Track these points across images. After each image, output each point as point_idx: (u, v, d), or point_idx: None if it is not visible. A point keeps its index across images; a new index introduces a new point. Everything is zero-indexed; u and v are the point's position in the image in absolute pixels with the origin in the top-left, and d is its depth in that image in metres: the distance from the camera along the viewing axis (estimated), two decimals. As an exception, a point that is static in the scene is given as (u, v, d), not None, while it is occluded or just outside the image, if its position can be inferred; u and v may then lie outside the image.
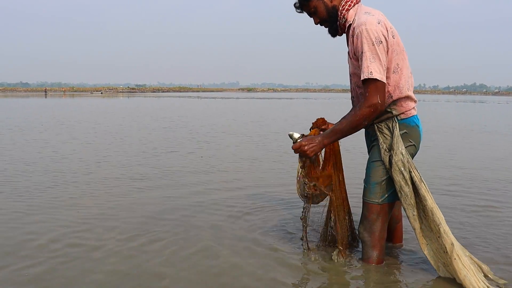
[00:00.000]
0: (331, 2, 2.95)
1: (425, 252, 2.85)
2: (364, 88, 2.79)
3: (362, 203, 3.06)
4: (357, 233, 3.17)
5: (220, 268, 3.00)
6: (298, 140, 2.97)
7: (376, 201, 2.96)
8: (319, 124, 3.21)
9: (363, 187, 3.06)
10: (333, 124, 3.16)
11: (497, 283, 2.73)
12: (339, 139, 2.96)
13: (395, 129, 2.89)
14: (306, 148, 2.92)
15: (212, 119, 16.81)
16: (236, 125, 14.02)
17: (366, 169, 3.06)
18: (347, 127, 2.85)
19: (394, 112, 2.89)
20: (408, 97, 2.90)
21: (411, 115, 2.94)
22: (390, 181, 2.93)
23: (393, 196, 2.98)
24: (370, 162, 3.04)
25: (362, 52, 2.75)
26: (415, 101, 2.96)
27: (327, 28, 3.06)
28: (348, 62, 3.04)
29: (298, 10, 3.09)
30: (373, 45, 2.71)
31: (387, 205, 2.99)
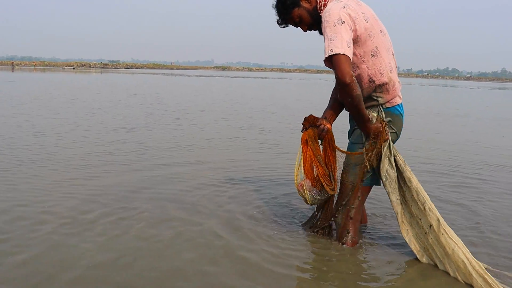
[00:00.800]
0: (310, 4, 2.97)
1: (405, 238, 2.91)
2: (332, 66, 2.76)
3: (340, 185, 3.08)
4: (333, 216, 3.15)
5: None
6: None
7: (352, 181, 3.01)
8: (313, 121, 3.10)
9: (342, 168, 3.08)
10: (321, 118, 3.13)
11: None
12: (364, 116, 2.87)
13: (380, 116, 2.96)
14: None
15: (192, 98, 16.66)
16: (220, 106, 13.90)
17: (348, 149, 3.10)
18: (352, 112, 2.91)
19: (380, 100, 2.95)
20: (391, 81, 2.93)
21: (395, 103, 3.01)
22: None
23: (371, 179, 3.02)
24: (351, 144, 3.09)
25: (324, 36, 2.76)
26: (399, 84, 3.00)
27: (317, 31, 3.04)
28: None
29: (283, 26, 3.11)
30: (334, 25, 2.72)
31: (365, 188, 3.04)
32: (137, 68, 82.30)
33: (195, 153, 6.21)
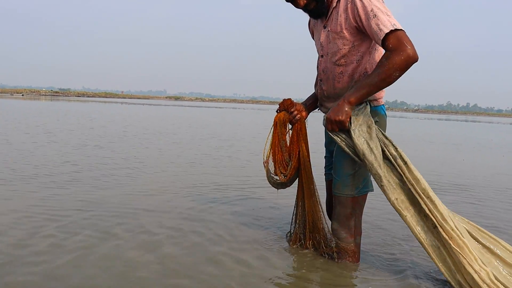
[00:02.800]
0: None
1: (403, 219, 2.58)
2: (386, 43, 2.50)
3: (333, 199, 2.89)
4: (331, 230, 2.95)
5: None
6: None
7: (351, 193, 2.80)
8: (287, 106, 3.01)
9: (334, 180, 2.88)
10: (300, 104, 3.03)
11: None
12: (367, 96, 2.64)
13: (364, 108, 2.75)
14: (339, 117, 2.64)
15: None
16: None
17: (334, 163, 2.89)
18: (376, 79, 2.54)
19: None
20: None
21: (382, 103, 2.84)
22: (363, 170, 2.77)
23: (367, 186, 2.85)
24: (339, 153, 2.84)
25: (372, 10, 2.54)
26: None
27: (307, 12, 2.88)
28: (322, 43, 2.88)
29: None
30: (383, 2, 2.61)
31: (362, 197, 2.84)
32: (88, 97, 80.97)
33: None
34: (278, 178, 3.06)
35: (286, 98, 3.04)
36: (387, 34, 2.49)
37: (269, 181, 3.12)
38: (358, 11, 2.61)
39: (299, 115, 3.01)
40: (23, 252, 2.89)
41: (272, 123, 3.07)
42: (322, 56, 2.93)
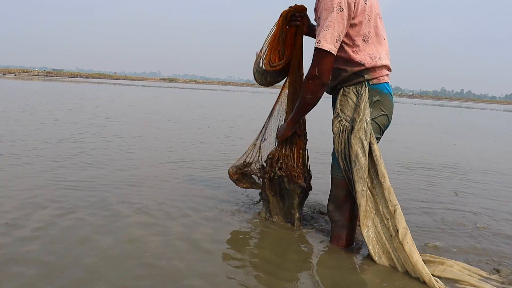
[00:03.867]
0: None
1: (364, 234, 2.62)
2: (312, 56, 2.61)
3: (330, 179, 2.83)
4: (327, 212, 2.89)
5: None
6: None
7: (343, 173, 2.73)
8: (298, 10, 3.06)
9: (331, 161, 2.83)
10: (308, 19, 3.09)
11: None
12: (298, 121, 2.96)
13: (364, 94, 2.65)
14: (281, 137, 3.03)
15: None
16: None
17: (333, 141, 2.80)
18: (299, 111, 2.82)
19: (366, 76, 2.65)
20: (383, 66, 2.68)
21: (384, 81, 2.71)
22: None
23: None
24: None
25: (319, 18, 2.56)
26: (389, 69, 2.74)
27: None
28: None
29: None
30: (332, 11, 2.49)
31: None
32: (82, 77, 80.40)
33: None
34: (264, 67, 3.15)
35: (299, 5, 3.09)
36: (314, 48, 2.60)
37: (253, 69, 3.24)
38: (316, 11, 2.68)
39: (299, 24, 3.04)
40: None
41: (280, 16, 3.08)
42: None
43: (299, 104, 2.78)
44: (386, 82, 2.74)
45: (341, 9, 2.50)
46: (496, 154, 8.74)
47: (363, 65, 2.64)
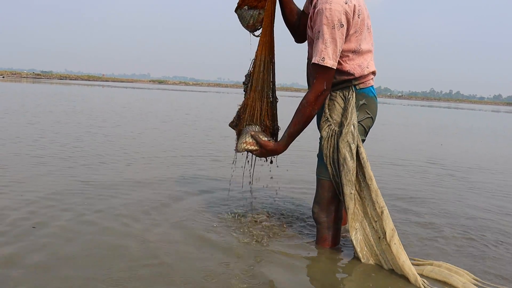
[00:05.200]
0: None
1: (352, 237, 2.64)
2: (313, 71, 2.63)
3: (316, 181, 2.83)
4: (312, 213, 2.88)
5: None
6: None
7: (331, 177, 2.74)
8: None
9: (317, 163, 2.83)
10: None
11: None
12: (296, 137, 2.78)
13: (351, 98, 2.68)
14: (258, 155, 2.89)
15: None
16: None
17: (319, 144, 2.81)
18: (299, 124, 2.71)
19: (353, 81, 2.69)
20: (370, 73, 2.73)
21: (369, 85, 2.75)
22: None
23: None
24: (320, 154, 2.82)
25: (319, 32, 2.54)
26: (374, 74, 2.78)
27: None
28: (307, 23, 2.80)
29: None
30: (333, 28, 2.50)
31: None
32: (71, 79, 79.97)
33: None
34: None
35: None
36: (314, 65, 2.61)
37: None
38: (313, 21, 2.63)
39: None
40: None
41: None
42: (308, 44, 2.88)
43: (302, 119, 2.70)
44: (371, 86, 2.79)
45: (342, 25, 2.52)
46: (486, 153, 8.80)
47: (352, 74, 2.68)
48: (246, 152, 2.97)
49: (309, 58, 2.86)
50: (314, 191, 2.87)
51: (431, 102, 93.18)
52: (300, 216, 3.54)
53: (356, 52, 2.66)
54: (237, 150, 2.96)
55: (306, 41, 2.91)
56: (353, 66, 2.67)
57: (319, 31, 2.55)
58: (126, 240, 2.83)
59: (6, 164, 4.80)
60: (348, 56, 2.65)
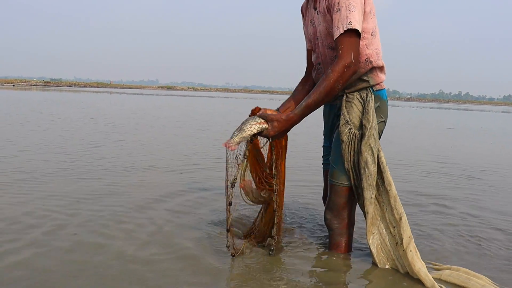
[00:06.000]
0: None
1: (369, 241, 2.62)
2: (337, 44, 2.46)
3: (329, 188, 2.78)
4: (324, 220, 2.84)
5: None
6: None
7: (347, 183, 2.68)
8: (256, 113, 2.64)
9: (330, 168, 2.77)
10: (269, 110, 2.72)
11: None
12: (312, 111, 2.55)
13: (370, 100, 2.61)
14: (271, 133, 2.52)
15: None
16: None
17: (333, 148, 2.76)
18: (321, 95, 2.46)
19: (371, 81, 2.63)
20: (383, 67, 2.67)
21: (383, 87, 2.71)
22: None
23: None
24: (339, 140, 2.71)
25: (338, 3, 2.44)
26: (385, 74, 2.72)
27: None
28: (314, 25, 2.76)
29: None
30: None
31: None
32: (80, 87, 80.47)
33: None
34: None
35: (254, 107, 2.73)
36: (341, 34, 2.44)
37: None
38: (330, 2, 2.53)
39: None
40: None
41: None
42: (317, 39, 2.78)
43: (324, 90, 2.46)
44: (384, 89, 2.76)
45: None
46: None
47: (370, 62, 2.61)
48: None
49: (323, 52, 2.75)
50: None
51: (440, 104, 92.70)
52: (312, 222, 3.55)
53: (374, 34, 2.60)
54: (244, 138, 2.51)
55: (312, 49, 2.88)
56: (371, 51, 2.60)
57: (338, 2, 2.45)
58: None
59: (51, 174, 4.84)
60: (367, 38, 2.58)
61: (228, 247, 2.67)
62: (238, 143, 2.49)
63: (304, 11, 2.94)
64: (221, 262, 2.66)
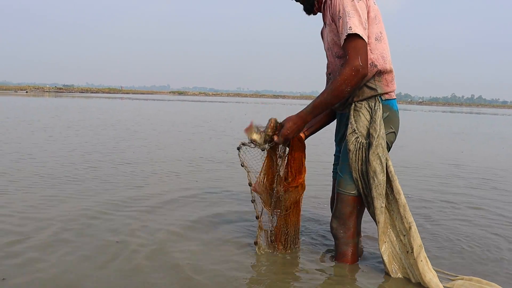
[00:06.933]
0: None
1: (381, 250, 2.59)
2: (344, 51, 2.50)
3: (336, 196, 2.76)
4: (330, 228, 2.81)
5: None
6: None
7: (353, 192, 2.67)
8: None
9: (337, 177, 2.76)
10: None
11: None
12: (321, 113, 2.62)
13: (378, 109, 2.61)
14: (286, 132, 2.64)
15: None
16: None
17: (341, 157, 2.76)
18: (328, 97, 2.51)
19: (379, 90, 2.62)
20: (391, 72, 2.66)
21: (393, 97, 2.69)
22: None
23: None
24: (346, 149, 2.71)
25: (339, 11, 2.49)
26: (395, 84, 2.72)
27: (302, 5, 2.83)
28: (324, 37, 2.81)
29: None
30: (352, 1, 2.46)
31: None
32: (92, 92, 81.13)
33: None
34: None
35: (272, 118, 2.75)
36: (345, 40, 2.48)
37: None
38: (331, 9, 2.59)
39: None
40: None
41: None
42: (328, 49, 2.82)
43: (332, 93, 2.51)
44: (394, 99, 2.74)
45: None
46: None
47: (375, 66, 2.61)
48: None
49: (332, 61, 2.81)
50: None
51: (452, 108, 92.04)
52: (319, 232, 3.52)
53: (378, 39, 2.61)
54: (260, 145, 2.72)
55: (326, 55, 2.90)
56: (376, 55, 2.60)
57: (339, 11, 2.51)
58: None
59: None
60: (371, 43, 2.59)
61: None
62: (254, 138, 2.71)
63: (322, 32, 2.99)
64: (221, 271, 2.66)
